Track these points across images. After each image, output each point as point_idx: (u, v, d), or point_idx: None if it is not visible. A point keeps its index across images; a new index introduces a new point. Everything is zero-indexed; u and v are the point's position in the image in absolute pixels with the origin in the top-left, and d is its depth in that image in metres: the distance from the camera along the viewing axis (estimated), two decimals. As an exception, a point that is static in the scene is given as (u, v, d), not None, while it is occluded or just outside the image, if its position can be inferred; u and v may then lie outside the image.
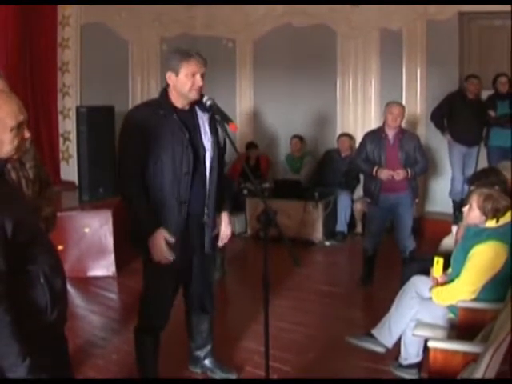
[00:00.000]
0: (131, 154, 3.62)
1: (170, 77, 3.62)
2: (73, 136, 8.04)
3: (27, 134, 2.40)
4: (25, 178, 3.28)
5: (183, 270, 3.83)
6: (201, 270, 3.91)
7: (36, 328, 2.31)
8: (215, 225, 3.89)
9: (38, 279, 2.34)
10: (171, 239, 3.59)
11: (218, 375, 4.22)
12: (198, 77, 3.58)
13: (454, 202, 8.23)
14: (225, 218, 3.96)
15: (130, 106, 8.56)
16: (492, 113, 7.83)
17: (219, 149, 3.79)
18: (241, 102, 9.90)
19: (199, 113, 3.73)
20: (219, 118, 3.61)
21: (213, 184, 3.75)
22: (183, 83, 3.58)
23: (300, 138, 9.13)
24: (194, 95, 3.62)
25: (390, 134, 6.00)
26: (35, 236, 2.40)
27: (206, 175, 3.72)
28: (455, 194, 8.20)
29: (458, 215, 7.95)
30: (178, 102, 3.67)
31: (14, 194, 2.53)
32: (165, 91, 3.71)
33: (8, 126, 2.30)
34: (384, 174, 5.90)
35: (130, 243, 3.86)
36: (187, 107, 3.70)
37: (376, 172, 5.93)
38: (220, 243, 4.01)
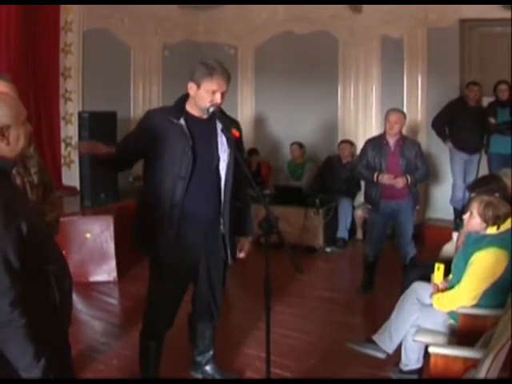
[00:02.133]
0: (124, 139, 3.90)
1: (192, 88, 3.63)
2: (75, 141, 8.05)
3: (30, 126, 2.48)
4: (29, 183, 3.30)
5: (187, 274, 3.84)
6: (208, 277, 3.92)
7: (48, 328, 2.34)
8: (234, 236, 3.94)
9: (49, 280, 2.36)
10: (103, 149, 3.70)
11: (219, 381, 4.24)
12: (218, 95, 3.58)
13: (455, 209, 8.22)
14: (244, 244, 4.06)
15: (132, 112, 8.66)
16: (492, 120, 7.83)
17: (236, 160, 3.74)
18: (242, 109, 9.94)
19: (218, 123, 3.73)
20: (221, 125, 3.64)
21: (227, 194, 3.77)
22: (202, 98, 3.60)
23: (299, 145, 9.13)
24: (209, 111, 3.64)
25: (391, 141, 6.02)
26: (45, 238, 2.44)
27: (220, 186, 3.75)
28: (456, 201, 8.19)
29: (459, 223, 7.96)
30: (195, 110, 3.70)
31: (24, 196, 2.57)
32: (183, 97, 3.75)
33: (21, 120, 2.39)
34: (385, 178, 5.91)
35: (132, 245, 3.90)
36: (205, 116, 3.70)
37: (377, 177, 5.94)
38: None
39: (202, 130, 3.71)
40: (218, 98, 3.59)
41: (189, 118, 3.68)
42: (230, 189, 3.78)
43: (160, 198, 3.65)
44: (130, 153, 3.78)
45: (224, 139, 3.71)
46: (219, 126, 3.72)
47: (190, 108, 3.71)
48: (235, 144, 3.67)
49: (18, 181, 3.22)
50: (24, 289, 2.21)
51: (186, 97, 3.74)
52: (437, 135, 8.27)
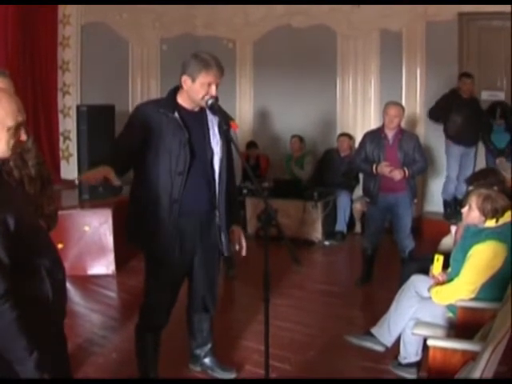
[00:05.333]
0: (120, 143, 3.76)
1: (186, 81, 3.60)
2: (73, 135, 8.06)
3: (24, 137, 2.38)
4: (27, 176, 3.30)
5: (184, 268, 3.84)
6: (203, 270, 3.92)
7: (40, 321, 2.33)
8: (228, 226, 3.92)
9: (39, 273, 2.36)
10: (115, 182, 3.45)
11: (218, 374, 4.24)
12: (213, 87, 3.57)
13: (445, 201, 8.31)
14: (239, 232, 3.99)
15: (130, 105, 8.65)
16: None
17: (229, 153, 3.80)
18: (241, 102, 9.94)
19: (209, 115, 3.74)
20: (220, 117, 3.63)
21: (222, 186, 3.77)
22: (197, 91, 3.58)
23: (299, 138, 9.14)
24: (204, 104, 3.62)
25: (390, 134, 6.02)
26: (35, 232, 2.42)
27: (214, 178, 3.75)
28: (448, 193, 8.25)
29: (449, 213, 8.01)
30: (187, 103, 3.69)
31: (13, 191, 2.53)
32: (173, 90, 3.72)
33: (6, 124, 2.29)
34: (383, 166, 5.89)
35: (127, 242, 3.89)
36: (196, 109, 3.71)
37: (376, 169, 5.93)
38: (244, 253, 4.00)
39: (195, 123, 3.70)
40: (213, 90, 3.58)
41: (181, 111, 3.67)
42: (224, 181, 3.78)
43: (158, 193, 3.62)
44: (131, 153, 3.65)
45: (216, 131, 3.73)
46: (210, 118, 3.74)
47: (182, 101, 3.69)
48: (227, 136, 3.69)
49: (16, 174, 3.22)
50: (14, 282, 2.21)
51: (176, 90, 3.73)
52: (436, 122, 8.22)
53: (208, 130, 3.74)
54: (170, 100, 3.70)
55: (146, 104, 3.91)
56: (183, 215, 3.68)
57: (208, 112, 3.73)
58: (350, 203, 8.38)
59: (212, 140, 3.73)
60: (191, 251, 3.81)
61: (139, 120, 3.66)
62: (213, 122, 3.75)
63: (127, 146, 3.67)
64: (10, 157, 2.40)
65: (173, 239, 3.68)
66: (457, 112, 7.89)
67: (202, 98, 3.58)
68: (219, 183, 3.77)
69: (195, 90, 3.59)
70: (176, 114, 3.62)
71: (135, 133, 3.64)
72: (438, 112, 8.12)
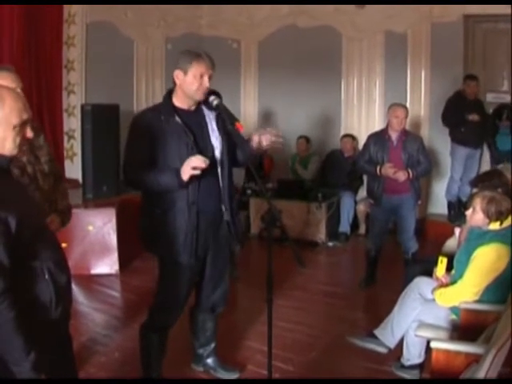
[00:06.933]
0: (138, 158, 3.61)
1: (178, 75, 3.62)
2: (77, 134, 8.04)
3: (29, 134, 2.39)
4: (40, 172, 3.34)
5: (198, 269, 3.84)
6: (215, 269, 3.93)
7: (40, 323, 2.33)
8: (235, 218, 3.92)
9: (42, 275, 2.35)
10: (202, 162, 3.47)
11: (221, 374, 4.24)
12: (205, 78, 3.59)
13: (449, 202, 8.33)
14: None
15: (135, 105, 8.64)
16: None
17: (229, 145, 3.79)
18: (245, 103, 9.94)
19: (206, 111, 3.75)
20: (225, 118, 3.63)
21: (225, 180, 3.78)
22: (190, 83, 3.59)
23: (306, 139, 9.16)
24: (199, 96, 3.64)
25: (394, 135, 6.01)
26: (39, 232, 2.42)
27: (217, 173, 3.74)
28: (452, 195, 8.25)
29: (453, 215, 7.99)
30: (184, 102, 3.69)
31: (19, 190, 2.53)
32: (168, 94, 3.73)
33: (12, 123, 2.30)
34: (387, 168, 5.88)
35: (145, 251, 3.89)
36: (193, 107, 3.72)
37: (380, 170, 5.93)
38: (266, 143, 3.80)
39: (195, 123, 3.70)
40: (205, 81, 3.59)
41: (180, 113, 3.66)
42: (226, 175, 3.79)
43: (175, 199, 3.62)
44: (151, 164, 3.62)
45: (214, 126, 3.75)
46: (207, 113, 3.75)
47: (178, 102, 3.69)
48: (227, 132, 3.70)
49: (30, 169, 3.27)
50: (14, 284, 2.20)
51: (170, 93, 3.73)
52: (455, 126, 8.15)
53: (206, 126, 3.75)
54: (167, 105, 3.69)
55: (145, 113, 3.84)
56: (199, 215, 3.68)
57: (204, 107, 3.75)
58: (354, 204, 8.38)
59: (212, 135, 3.75)
60: (205, 251, 3.82)
61: (144, 131, 3.62)
62: (210, 117, 3.77)
63: (148, 159, 3.61)
64: (17, 154, 2.41)
65: (191, 241, 3.67)
66: (463, 113, 7.85)
67: (196, 90, 3.59)
68: (222, 178, 3.77)
69: (188, 83, 3.60)
70: (177, 119, 3.62)
71: (145, 143, 3.60)
72: (453, 117, 8.02)
